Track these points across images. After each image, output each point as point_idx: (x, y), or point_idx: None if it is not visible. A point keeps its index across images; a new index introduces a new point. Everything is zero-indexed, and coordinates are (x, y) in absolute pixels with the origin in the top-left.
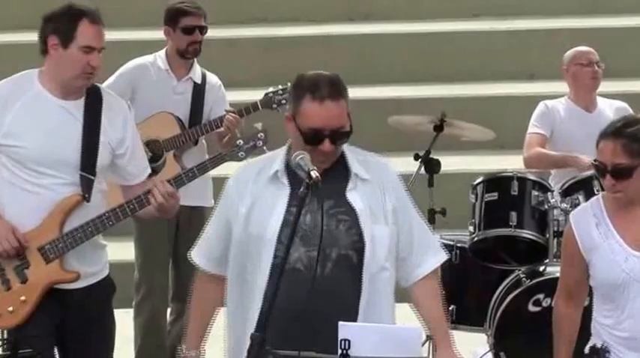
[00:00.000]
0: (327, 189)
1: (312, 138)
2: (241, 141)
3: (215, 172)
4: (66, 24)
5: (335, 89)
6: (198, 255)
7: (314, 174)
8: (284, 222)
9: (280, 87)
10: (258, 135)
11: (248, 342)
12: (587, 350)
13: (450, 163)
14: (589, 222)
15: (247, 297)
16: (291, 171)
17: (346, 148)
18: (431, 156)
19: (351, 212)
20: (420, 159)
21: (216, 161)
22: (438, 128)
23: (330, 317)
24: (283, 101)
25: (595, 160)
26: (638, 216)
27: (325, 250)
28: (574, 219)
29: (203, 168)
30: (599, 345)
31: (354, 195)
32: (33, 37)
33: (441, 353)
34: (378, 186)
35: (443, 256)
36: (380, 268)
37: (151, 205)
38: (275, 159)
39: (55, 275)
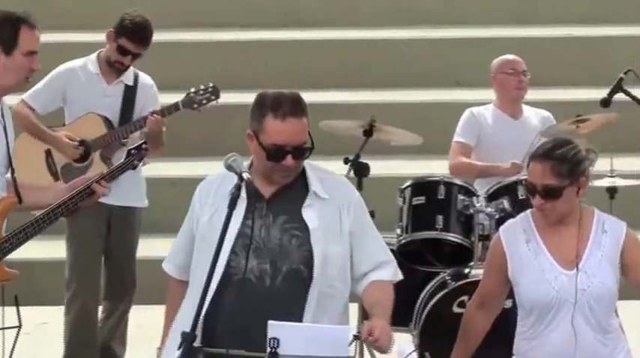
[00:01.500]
0: (284, 204)
1: (274, 154)
2: (133, 151)
3: (150, 173)
4: (7, 31)
5: (296, 106)
6: (168, 262)
7: (245, 175)
8: (239, 233)
9: (202, 87)
10: (143, 146)
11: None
12: None
13: (379, 167)
14: (519, 238)
15: (190, 302)
16: (250, 184)
17: (308, 165)
18: (360, 160)
19: (304, 229)
20: (349, 163)
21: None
22: (368, 133)
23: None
24: (204, 101)
25: (525, 180)
26: (566, 235)
27: (276, 263)
28: (504, 234)
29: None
30: None
31: (310, 213)
32: None
33: (374, 319)
34: (336, 206)
35: (398, 275)
36: (329, 287)
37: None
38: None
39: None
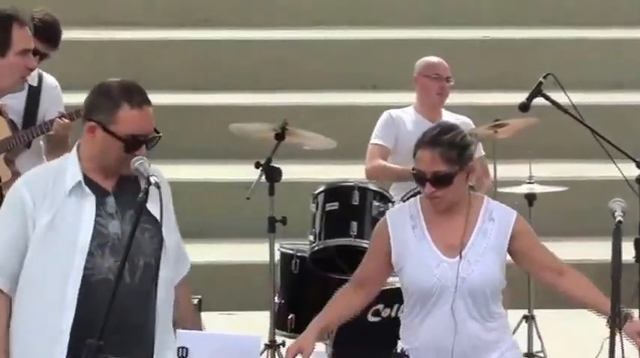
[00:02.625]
0: (129, 197)
1: (132, 144)
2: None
3: None
4: None
5: (145, 95)
6: None
7: (153, 179)
8: (94, 233)
9: None
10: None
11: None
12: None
13: (292, 172)
14: (405, 223)
15: (48, 309)
16: (88, 180)
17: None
18: (272, 164)
19: (153, 221)
20: (260, 168)
21: None
22: (280, 136)
23: (141, 325)
24: None
25: (413, 169)
26: (452, 223)
27: (133, 259)
28: (390, 218)
29: None
30: (399, 350)
31: (152, 205)
32: None
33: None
34: (166, 193)
35: (188, 263)
36: (170, 273)
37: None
38: (66, 168)
39: None
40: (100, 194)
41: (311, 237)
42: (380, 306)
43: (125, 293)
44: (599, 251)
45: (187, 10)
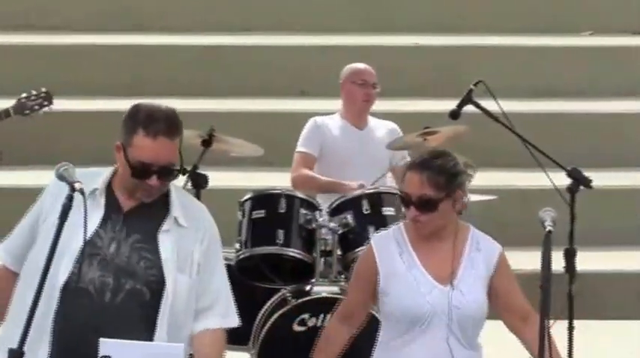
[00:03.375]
0: (141, 222)
1: (140, 172)
2: None
3: None
4: None
5: (170, 126)
6: (3, 250)
7: (78, 185)
8: (89, 241)
9: (34, 92)
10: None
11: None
12: None
13: (218, 179)
14: (392, 250)
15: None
16: (110, 193)
17: (173, 187)
18: (198, 171)
19: (155, 252)
20: (187, 174)
21: None
22: (207, 143)
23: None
24: (36, 106)
25: (401, 191)
26: (440, 250)
27: (120, 280)
28: (376, 245)
29: None
30: None
31: (165, 238)
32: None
33: None
34: (192, 235)
35: (233, 321)
36: (176, 317)
37: None
38: (99, 176)
39: None
40: (113, 209)
41: (237, 245)
42: (306, 316)
43: (101, 310)
44: (528, 260)
45: (118, 15)
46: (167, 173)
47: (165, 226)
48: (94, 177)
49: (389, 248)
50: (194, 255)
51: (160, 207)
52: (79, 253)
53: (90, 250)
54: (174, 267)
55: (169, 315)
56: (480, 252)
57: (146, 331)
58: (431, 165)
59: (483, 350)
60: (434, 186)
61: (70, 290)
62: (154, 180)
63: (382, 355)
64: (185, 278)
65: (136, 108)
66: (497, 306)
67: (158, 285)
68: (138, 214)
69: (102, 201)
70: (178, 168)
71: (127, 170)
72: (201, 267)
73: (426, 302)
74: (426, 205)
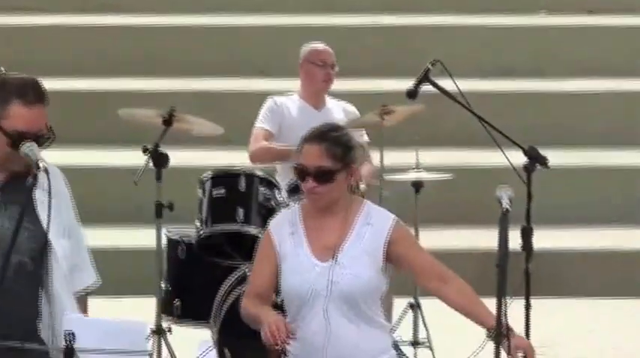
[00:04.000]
0: (17, 193)
1: (17, 140)
2: None
3: None
4: None
5: (41, 94)
6: None
7: (42, 164)
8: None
9: None
10: None
11: None
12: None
13: (179, 158)
14: (285, 230)
15: None
16: (3, 168)
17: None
18: (159, 150)
19: (36, 221)
20: (148, 153)
21: None
22: (167, 122)
23: (9, 319)
24: None
25: (297, 163)
26: (330, 225)
27: (7, 255)
28: (273, 228)
29: None
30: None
31: (41, 207)
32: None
33: None
34: (62, 200)
35: (96, 278)
36: (59, 283)
37: None
38: None
39: None
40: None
41: (198, 223)
42: None
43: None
44: (485, 239)
45: None
46: (39, 140)
47: (37, 193)
48: None
49: (283, 229)
50: (63, 217)
51: (26, 175)
52: None
53: None
54: (56, 232)
55: (58, 280)
56: (370, 226)
57: (34, 302)
58: (328, 136)
59: (387, 332)
60: (331, 157)
61: None
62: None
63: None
64: (64, 241)
65: (2, 81)
66: (410, 273)
67: (39, 254)
68: (11, 187)
69: None
70: (50, 135)
71: (2, 141)
72: (69, 228)
73: (305, 281)
74: (323, 176)
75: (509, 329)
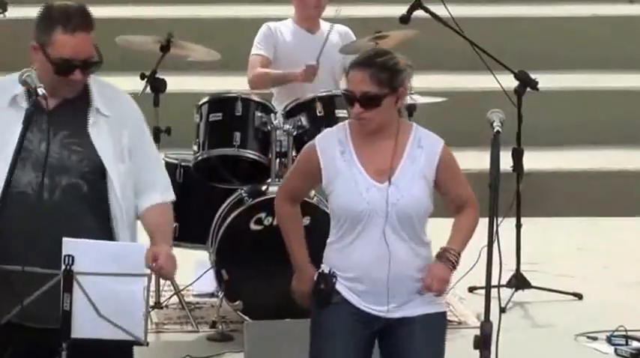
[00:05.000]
0: (66, 118)
1: (63, 68)
2: None
3: None
4: None
5: (85, 20)
6: None
7: (40, 91)
8: (19, 147)
9: None
10: None
11: None
12: (315, 276)
13: (176, 83)
14: (334, 149)
15: None
16: (31, 96)
17: (92, 80)
18: (157, 75)
19: (86, 144)
20: (146, 79)
21: None
22: (165, 48)
23: (57, 240)
24: None
25: (345, 89)
26: (380, 148)
27: (55, 178)
28: (320, 143)
29: None
30: (326, 270)
31: (95, 130)
32: None
33: (157, 247)
34: (117, 123)
35: (172, 195)
36: (123, 201)
37: None
38: (14, 82)
39: None
40: (36, 111)
41: (195, 147)
42: (262, 214)
43: (41, 210)
44: (477, 160)
45: None
46: (89, 66)
47: (91, 119)
48: (10, 85)
49: (332, 146)
50: (122, 141)
51: (82, 101)
52: (12, 158)
53: (23, 154)
54: (112, 155)
55: (116, 201)
56: (421, 149)
57: (90, 223)
58: (373, 62)
59: (431, 249)
60: (377, 83)
61: (9, 195)
62: (77, 75)
63: (330, 254)
64: (121, 164)
65: (48, 8)
66: (443, 196)
67: (94, 176)
68: (61, 111)
69: (24, 104)
70: (98, 59)
71: (49, 68)
72: (132, 150)
73: (362, 200)
74: (370, 101)
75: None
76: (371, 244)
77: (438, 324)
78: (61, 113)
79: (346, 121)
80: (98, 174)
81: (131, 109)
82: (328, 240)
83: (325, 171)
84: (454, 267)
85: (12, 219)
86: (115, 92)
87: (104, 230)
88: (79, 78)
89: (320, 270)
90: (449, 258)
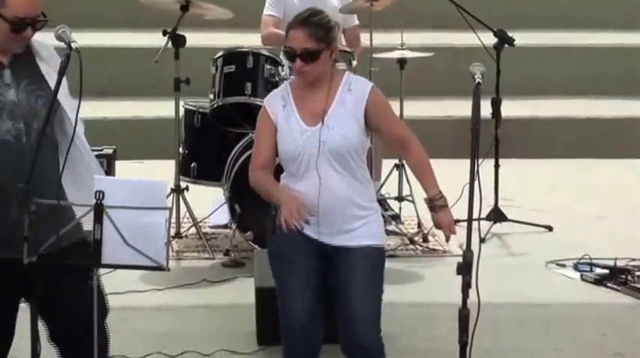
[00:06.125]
0: (22, 69)
1: (17, 26)
2: None
3: None
4: None
5: None
6: None
7: (74, 45)
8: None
9: None
10: None
11: None
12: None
13: (195, 39)
14: (278, 104)
15: None
16: (5, 51)
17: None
18: (177, 32)
19: (46, 88)
20: (167, 35)
21: None
22: (184, 8)
23: (36, 180)
24: None
25: (285, 46)
26: (316, 96)
27: (30, 122)
28: (267, 102)
29: None
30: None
31: (48, 77)
32: None
33: None
34: (54, 70)
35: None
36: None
37: None
38: None
39: None
40: (16, 65)
41: (211, 96)
42: None
43: (22, 152)
44: (460, 108)
45: None
46: (37, 23)
47: (43, 68)
48: None
49: (276, 103)
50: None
51: (29, 55)
52: None
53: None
54: (63, 97)
55: (65, 136)
56: (350, 92)
57: (54, 162)
58: (311, 22)
59: (372, 188)
60: (314, 40)
61: None
62: (29, 32)
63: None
64: (73, 101)
65: None
66: (378, 134)
67: (54, 118)
68: (18, 64)
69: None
70: (45, 17)
71: (4, 27)
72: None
73: (297, 144)
74: (309, 56)
75: (443, 203)
76: (308, 178)
77: (376, 257)
78: (16, 66)
79: (287, 81)
80: (56, 115)
81: (58, 59)
82: (281, 177)
83: (275, 122)
84: (447, 206)
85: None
86: (45, 46)
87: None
88: (30, 34)
89: (274, 206)
90: (440, 204)
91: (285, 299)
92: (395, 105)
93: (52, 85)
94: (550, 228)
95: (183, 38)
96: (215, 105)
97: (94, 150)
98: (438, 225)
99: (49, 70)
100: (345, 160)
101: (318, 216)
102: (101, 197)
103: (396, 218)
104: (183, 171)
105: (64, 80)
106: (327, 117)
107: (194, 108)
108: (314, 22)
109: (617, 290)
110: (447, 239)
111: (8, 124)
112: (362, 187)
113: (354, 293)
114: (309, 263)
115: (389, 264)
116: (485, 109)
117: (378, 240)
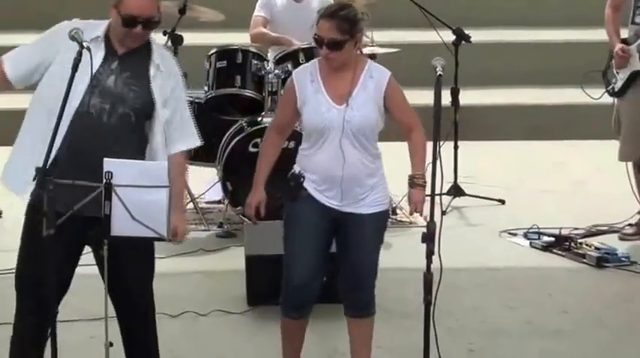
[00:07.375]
0: (131, 64)
1: (128, 22)
2: None
3: None
4: None
5: None
6: (10, 59)
7: (85, 44)
8: (92, 77)
9: None
10: None
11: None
12: (288, 175)
13: (191, 38)
14: (306, 78)
15: (49, 123)
16: (108, 40)
17: (155, 43)
18: (176, 32)
19: (144, 87)
20: (167, 35)
21: None
22: (182, 11)
23: (104, 157)
24: None
25: (315, 34)
26: (342, 79)
27: (115, 105)
28: (295, 75)
29: None
30: (297, 171)
31: (153, 79)
32: None
33: (174, 216)
34: (167, 78)
35: (194, 142)
36: (157, 135)
37: None
38: (99, 27)
39: None
40: (110, 52)
41: (205, 88)
42: (258, 140)
43: (98, 129)
44: (424, 97)
45: None
46: (149, 23)
47: (152, 70)
48: (95, 28)
49: (304, 77)
50: (168, 93)
51: (145, 55)
52: (87, 86)
53: (94, 83)
54: (160, 102)
55: (153, 137)
56: (372, 79)
57: (134, 144)
58: (337, 14)
59: (380, 160)
60: (340, 31)
61: (79, 113)
62: (139, 29)
63: (302, 159)
64: (165, 110)
65: None
66: (393, 118)
67: (141, 113)
68: (128, 57)
69: (102, 45)
70: (158, 20)
71: (119, 22)
72: (170, 102)
73: (324, 118)
74: (334, 46)
75: (420, 183)
76: (331, 151)
77: (382, 219)
78: (127, 59)
79: (316, 59)
80: (145, 112)
81: (176, 71)
82: (300, 148)
83: (299, 95)
84: (424, 187)
85: (77, 130)
86: (167, 53)
87: (138, 157)
88: (140, 32)
89: (292, 171)
90: (417, 183)
91: (293, 257)
92: None
93: (154, 87)
94: (503, 202)
95: (181, 37)
96: (209, 96)
97: None
98: (409, 200)
99: (157, 73)
100: (364, 138)
101: (342, 187)
102: (110, 177)
103: None
104: None
105: (181, 80)
106: (352, 99)
107: (190, 99)
108: (340, 16)
109: (562, 256)
110: (411, 213)
111: (97, 100)
112: (374, 160)
113: (363, 254)
114: (320, 228)
115: None
116: (446, 98)
117: (385, 205)
